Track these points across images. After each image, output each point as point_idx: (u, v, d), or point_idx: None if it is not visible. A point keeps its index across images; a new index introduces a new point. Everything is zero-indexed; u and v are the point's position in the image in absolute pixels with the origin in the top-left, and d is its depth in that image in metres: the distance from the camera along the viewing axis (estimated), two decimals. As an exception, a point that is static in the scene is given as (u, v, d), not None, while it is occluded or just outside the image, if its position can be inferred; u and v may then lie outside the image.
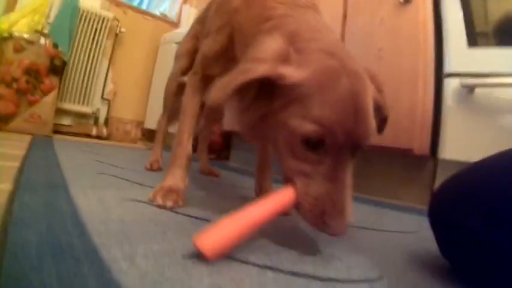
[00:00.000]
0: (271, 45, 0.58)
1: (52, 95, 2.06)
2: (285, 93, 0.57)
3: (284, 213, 0.63)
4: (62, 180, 0.88)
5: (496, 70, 1.36)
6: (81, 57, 2.45)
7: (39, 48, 2.00)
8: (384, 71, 1.58)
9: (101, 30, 2.52)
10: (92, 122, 2.62)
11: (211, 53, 0.89)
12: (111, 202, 0.73)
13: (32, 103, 1.95)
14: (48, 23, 2.16)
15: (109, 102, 2.73)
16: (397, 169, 1.69)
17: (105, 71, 2.66)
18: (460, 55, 1.48)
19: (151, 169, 1.34)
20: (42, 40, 2.04)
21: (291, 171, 0.59)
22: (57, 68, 2.09)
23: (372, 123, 0.59)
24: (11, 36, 1.91)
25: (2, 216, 0.55)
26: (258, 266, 0.50)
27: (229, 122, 2.25)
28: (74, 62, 2.41)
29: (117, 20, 2.65)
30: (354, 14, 1.80)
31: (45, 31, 2.11)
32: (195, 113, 0.93)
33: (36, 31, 2.04)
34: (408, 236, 0.90)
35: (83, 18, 2.42)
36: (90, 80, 2.52)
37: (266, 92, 0.59)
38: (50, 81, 2.04)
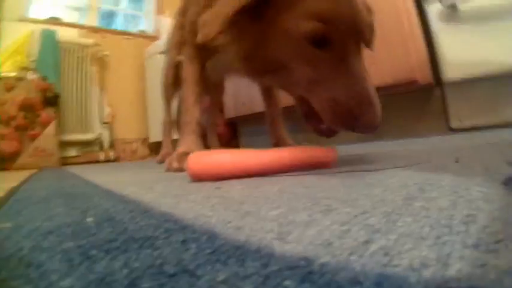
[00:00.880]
0: None
1: (52, 127, 2.07)
2: (277, 2, 0.55)
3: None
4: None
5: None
6: (72, 87, 2.48)
7: (29, 84, 2.02)
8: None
9: (84, 57, 2.54)
10: (97, 148, 2.63)
11: (197, 16, 0.88)
12: (129, 177, 0.74)
13: (33, 137, 1.97)
14: (32, 61, 2.18)
15: (110, 126, 2.75)
16: (407, 107, 1.65)
17: (98, 96, 2.67)
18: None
19: (163, 162, 1.33)
20: (30, 75, 2.06)
21: (304, 83, 0.57)
22: (51, 100, 2.10)
23: (365, 12, 0.58)
24: (-1, 78, 1.94)
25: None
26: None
27: (231, 109, 2.24)
28: (66, 93, 2.43)
29: (97, 45, 2.67)
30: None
31: (31, 67, 2.13)
32: (197, 78, 0.92)
33: (23, 68, 2.06)
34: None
35: (65, 49, 2.44)
36: (86, 107, 2.54)
37: (256, 16, 0.57)
38: (47, 113, 2.06)
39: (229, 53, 0.67)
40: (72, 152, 2.48)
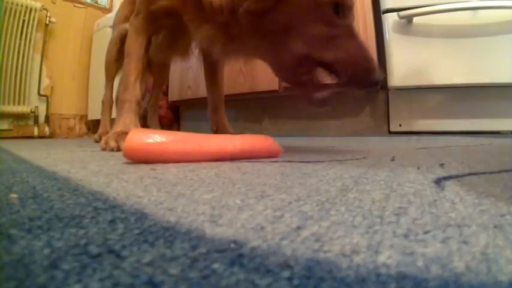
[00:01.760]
0: None
1: (-19, 95, 1.87)
2: None
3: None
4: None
5: (428, 2, 1.44)
6: (11, 53, 2.25)
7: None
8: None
9: (29, 22, 2.32)
10: (32, 122, 2.43)
11: None
12: (62, 154, 0.69)
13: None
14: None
15: (47, 99, 2.55)
16: (350, 107, 1.72)
17: (38, 66, 2.46)
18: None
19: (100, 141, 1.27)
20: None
21: (315, 39, 0.63)
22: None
23: None
24: None
25: None
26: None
27: (175, 92, 2.19)
28: (3, 59, 2.20)
29: (45, 9, 2.45)
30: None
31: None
32: (141, 54, 0.87)
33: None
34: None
35: (8, 10, 2.20)
36: (24, 77, 2.32)
37: None
38: (-25, 80, 1.85)
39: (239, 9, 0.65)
40: (3, 125, 2.27)
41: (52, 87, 2.61)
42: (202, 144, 0.53)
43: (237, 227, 0.18)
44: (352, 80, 0.62)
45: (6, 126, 2.30)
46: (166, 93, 2.28)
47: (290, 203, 0.24)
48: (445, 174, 0.35)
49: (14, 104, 2.29)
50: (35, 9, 2.35)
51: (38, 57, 2.46)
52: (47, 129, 2.52)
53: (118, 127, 0.79)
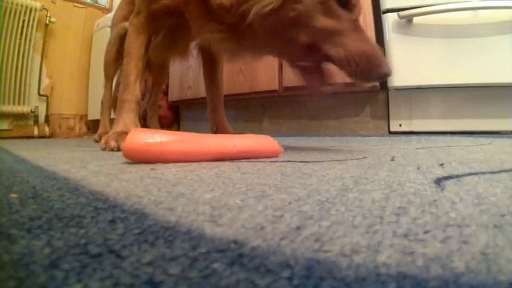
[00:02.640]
0: None
1: (-19, 95, 1.87)
2: None
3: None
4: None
5: (428, 2, 1.44)
6: (11, 53, 2.25)
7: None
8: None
9: (29, 22, 2.32)
10: (32, 122, 2.43)
11: None
12: (62, 154, 0.69)
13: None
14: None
15: (47, 99, 2.55)
16: (350, 107, 1.72)
17: (38, 66, 2.46)
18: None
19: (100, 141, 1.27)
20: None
21: (322, 32, 0.63)
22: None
23: None
24: None
25: None
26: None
27: (175, 92, 2.19)
28: (3, 60, 2.20)
29: (45, 9, 2.45)
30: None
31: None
32: (141, 54, 0.86)
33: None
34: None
35: (8, 10, 2.20)
36: (24, 76, 2.32)
37: None
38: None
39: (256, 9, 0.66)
40: (3, 125, 2.27)
41: (52, 87, 2.61)
42: (202, 144, 0.53)
43: (237, 227, 0.18)
44: (360, 73, 0.63)
45: (6, 126, 2.30)
46: (166, 93, 2.29)
47: (290, 203, 0.24)
48: (445, 174, 0.35)
49: (14, 104, 2.29)
50: (35, 9, 2.35)
51: (38, 57, 2.46)
52: (47, 129, 2.52)
53: (118, 127, 0.79)
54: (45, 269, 0.13)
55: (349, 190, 0.28)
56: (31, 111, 2.40)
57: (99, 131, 1.34)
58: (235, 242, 0.16)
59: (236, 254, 0.14)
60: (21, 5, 2.27)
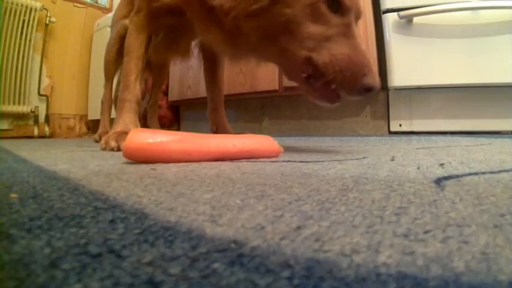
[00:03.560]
0: None
1: (-21, 95, 1.87)
2: None
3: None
4: None
5: (428, 2, 1.44)
6: (11, 53, 2.25)
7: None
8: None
9: (29, 21, 2.32)
10: (32, 122, 2.43)
11: None
12: (62, 154, 0.69)
13: (-43, 105, 1.77)
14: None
15: (47, 99, 2.55)
16: (350, 107, 1.72)
17: (38, 66, 2.46)
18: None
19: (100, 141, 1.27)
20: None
21: (313, 42, 0.61)
22: (-19, 66, 1.90)
23: None
24: None
25: None
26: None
27: (175, 92, 2.19)
28: (3, 59, 2.20)
29: (45, 9, 2.45)
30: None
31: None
32: (141, 53, 0.86)
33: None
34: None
35: (8, 10, 2.20)
36: (24, 76, 2.32)
37: None
38: (-26, 79, 1.85)
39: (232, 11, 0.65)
40: (3, 125, 2.27)
41: (52, 87, 2.61)
42: (202, 144, 0.53)
43: (237, 227, 0.18)
44: (343, 81, 0.59)
45: (6, 126, 2.30)
46: (166, 93, 2.29)
47: (290, 202, 0.24)
48: (445, 174, 0.35)
49: (14, 104, 2.29)
50: (35, 9, 2.34)
51: (38, 57, 2.46)
52: (47, 129, 2.52)
53: (118, 127, 0.79)
54: (45, 269, 0.13)
55: (349, 190, 0.28)
56: (31, 111, 2.40)
57: (99, 130, 1.34)
58: (235, 241, 0.16)
59: (236, 254, 0.15)
60: (21, 5, 2.27)
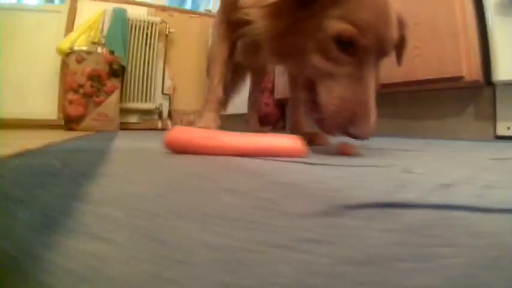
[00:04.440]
0: None
1: (115, 95, 2.30)
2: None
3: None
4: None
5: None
6: (138, 61, 2.71)
7: (97, 57, 2.26)
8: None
9: (152, 34, 2.75)
10: (156, 117, 2.85)
11: None
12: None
13: (98, 104, 2.21)
14: (103, 36, 2.42)
15: (170, 97, 2.96)
16: (449, 106, 1.55)
17: (161, 70, 2.89)
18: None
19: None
20: (99, 49, 2.30)
21: (315, 72, 0.62)
22: (116, 71, 2.33)
23: (396, 31, 0.63)
24: (72, 51, 2.20)
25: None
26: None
27: (281, 90, 2.28)
28: (133, 66, 2.67)
29: (164, 22, 2.86)
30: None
31: (102, 42, 2.37)
32: (223, 59, 0.97)
33: (93, 43, 2.31)
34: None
35: (134, 26, 2.67)
36: (150, 79, 2.76)
37: (300, 3, 0.62)
38: (112, 83, 2.29)
39: (257, 31, 0.70)
40: (133, 119, 2.73)
41: (174, 87, 3.00)
42: (224, 141, 0.60)
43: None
44: (330, 125, 0.61)
45: (135, 120, 2.76)
46: (272, 92, 2.40)
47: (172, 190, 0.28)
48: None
49: (141, 101, 2.74)
50: (156, 23, 2.77)
51: (161, 63, 2.88)
52: (169, 123, 2.93)
53: (199, 124, 0.91)
54: None
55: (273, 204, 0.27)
56: (156, 108, 2.83)
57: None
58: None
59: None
60: (144, 21, 2.72)
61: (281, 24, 0.64)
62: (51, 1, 3.20)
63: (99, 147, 0.74)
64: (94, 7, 2.51)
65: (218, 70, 0.96)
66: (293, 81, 1.17)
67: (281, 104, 2.51)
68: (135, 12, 2.70)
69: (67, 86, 2.18)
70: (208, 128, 0.90)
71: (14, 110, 2.36)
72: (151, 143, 0.94)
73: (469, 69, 1.33)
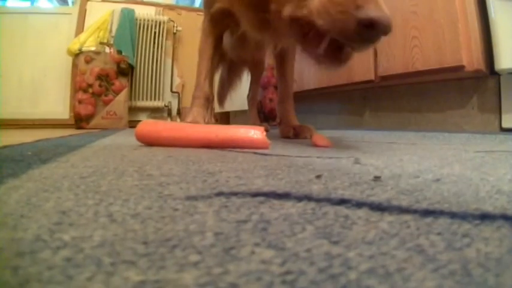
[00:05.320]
0: None
1: (123, 94, 2.36)
2: None
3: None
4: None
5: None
6: (147, 59, 2.77)
7: (105, 57, 2.32)
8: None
9: (159, 32, 2.79)
10: (165, 114, 2.90)
11: None
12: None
13: (106, 102, 2.27)
14: (112, 36, 2.47)
15: (179, 95, 3.00)
16: (451, 97, 1.50)
17: (170, 68, 2.94)
18: None
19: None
20: (107, 49, 2.36)
21: None
22: (124, 71, 2.38)
23: None
24: (81, 52, 2.26)
25: None
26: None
27: None
28: (141, 65, 2.73)
29: (172, 21, 2.90)
30: None
31: (110, 42, 2.43)
32: (209, 55, 0.99)
33: (101, 43, 2.36)
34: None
35: (142, 25, 2.72)
36: (158, 77, 2.82)
37: None
38: (120, 82, 2.34)
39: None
40: (142, 117, 2.79)
41: (183, 85, 3.04)
42: (189, 133, 0.61)
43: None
44: (335, 31, 0.48)
45: (145, 118, 2.81)
46: (277, 87, 2.39)
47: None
48: None
49: (151, 99, 2.80)
50: (164, 22, 2.81)
51: (169, 61, 2.92)
52: (178, 120, 2.97)
53: (188, 118, 0.93)
54: None
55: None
56: (165, 105, 2.88)
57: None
58: None
59: None
60: (152, 20, 2.76)
61: None
62: (66, 3, 3.30)
63: (82, 142, 0.76)
64: (103, 8, 2.58)
65: (204, 66, 0.97)
66: (280, 75, 1.17)
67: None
68: (143, 11, 2.75)
69: (77, 86, 2.25)
70: (196, 123, 0.90)
71: (28, 111, 2.46)
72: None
73: (470, 58, 1.28)
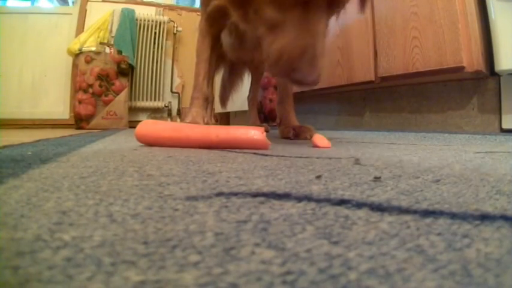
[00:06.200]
0: None
1: (123, 94, 2.36)
2: None
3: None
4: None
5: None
6: (147, 60, 2.77)
7: (105, 57, 2.32)
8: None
9: (160, 33, 2.79)
10: (166, 114, 2.90)
11: None
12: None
13: (106, 103, 2.27)
14: (112, 36, 2.47)
15: (179, 95, 3.00)
16: (451, 98, 1.50)
17: (170, 68, 2.94)
18: None
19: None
20: (107, 50, 2.36)
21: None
22: (124, 71, 2.38)
23: None
24: (81, 52, 2.26)
25: None
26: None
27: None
28: (142, 65, 2.72)
29: (172, 21, 2.90)
30: None
31: (110, 43, 2.42)
32: (207, 56, 0.99)
33: (102, 43, 2.36)
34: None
35: (142, 26, 2.72)
36: (158, 77, 2.82)
37: None
38: (120, 82, 2.34)
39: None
40: (142, 117, 2.79)
41: (183, 85, 3.04)
42: (189, 134, 0.61)
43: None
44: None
45: (145, 118, 2.81)
46: (276, 88, 2.39)
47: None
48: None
49: (151, 100, 2.79)
50: (164, 22, 2.82)
51: (169, 61, 2.92)
52: (178, 120, 2.96)
53: (187, 119, 0.93)
54: None
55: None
56: (165, 106, 2.88)
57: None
58: None
59: None
60: (152, 20, 2.76)
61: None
62: (66, 3, 3.30)
63: (82, 143, 0.76)
64: (103, 8, 2.58)
65: (202, 66, 0.97)
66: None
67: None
68: (143, 12, 2.75)
69: (77, 86, 2.25)
70: (195, 123, 0.90)
71: (28, 111, 2.46)
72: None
73: (470, 58, 1.28)
